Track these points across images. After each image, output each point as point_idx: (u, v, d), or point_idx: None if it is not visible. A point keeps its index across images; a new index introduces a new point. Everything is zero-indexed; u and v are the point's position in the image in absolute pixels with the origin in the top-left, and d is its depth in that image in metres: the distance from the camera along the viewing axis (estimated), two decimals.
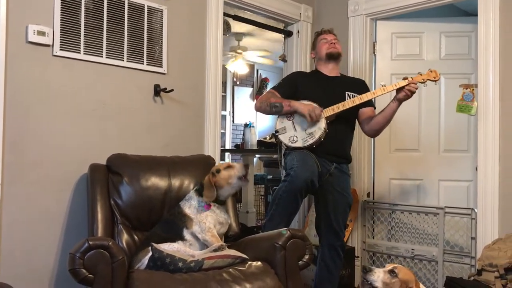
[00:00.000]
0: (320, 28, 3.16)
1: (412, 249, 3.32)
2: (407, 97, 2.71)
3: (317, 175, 2.64)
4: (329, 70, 2.98)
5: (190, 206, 2.36)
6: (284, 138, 2.81)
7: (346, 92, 2.90)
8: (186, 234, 2.28)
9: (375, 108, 2.98)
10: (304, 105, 2.74)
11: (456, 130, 3.53)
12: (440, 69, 3.53)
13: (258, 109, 2.93)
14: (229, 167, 2.40)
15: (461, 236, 3.17)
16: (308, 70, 3.80)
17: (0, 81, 2.27)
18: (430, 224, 3.30)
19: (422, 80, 2.77)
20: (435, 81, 2.80)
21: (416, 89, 2.71)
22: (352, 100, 2.80)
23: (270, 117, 7.65)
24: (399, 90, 2.73)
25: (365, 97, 2.80)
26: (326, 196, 2.81)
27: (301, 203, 2.65)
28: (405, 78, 2.73)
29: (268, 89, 5.46)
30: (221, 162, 2.44)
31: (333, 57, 2.96)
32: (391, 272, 1.85)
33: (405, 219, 3.43)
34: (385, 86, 2.79)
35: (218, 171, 2.39)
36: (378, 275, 1.85)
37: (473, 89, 3.17)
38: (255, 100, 7.85)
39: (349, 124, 2.95)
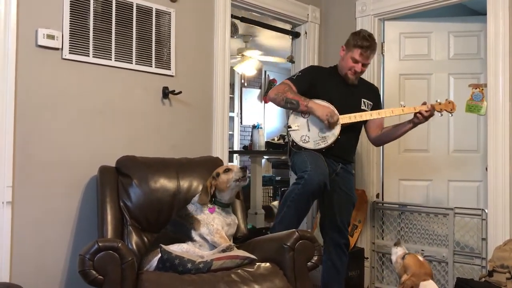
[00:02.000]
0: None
1: (422, 250, 3.29)
2: (420, 121, 2.74)
3: (328, 177, 2.63)
4: None
5: (196, 209, 2.38)
6: (295, 135, 2.78)
7: (362, 99, 2.91)
8: (195, 235, 2.29)
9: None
10: (322, 109, 2.70)
11: (465, 130, 3.50)
12: (448, 69, 3.56)
13: (273, 100, 2.82)
14: (227, 170, 2.41)
15: (472, 237, 3.15)
16: None
17: (10, 84, 2.30)
18: (439, 225, 3.27)
19: (439, 110, 2.80)
20: (451, 113, 2.84)
21: (429, 114, 2.72)
22: (370, 113, 2.82)
23: (279, 118, 7.69)
24: (416, 113, 2.75)
25: (383, 113, 2.83)
26: (331, 195, 2.81)
27: (312, 205, 2.66)
28: (424, 104, 2.76)
29: None
30: (224, 165, 2.47)
31: (347, 81, 2.88)
32: (404, 256, 2.00)
33: (414, 220, 3.41)
34: (404, 106, 2.81)
35: (218, 174, 2.41)
36: (397, 252, 2.05)
37: (482, 89, 3.15)
38: (263, 102, 7.87)
39: (357, 130, 2.97)
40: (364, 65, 2.84)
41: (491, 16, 3.03)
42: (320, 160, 2.65)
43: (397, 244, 2.09)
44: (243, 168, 2.39)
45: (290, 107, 2.79)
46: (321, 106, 2.72)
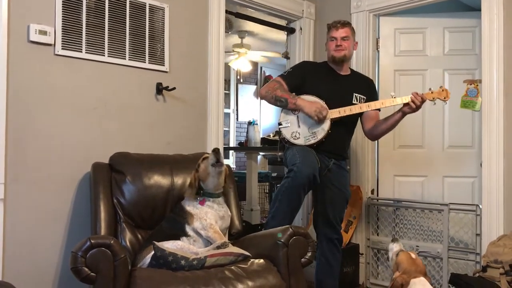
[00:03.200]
0: (330, 21, 2.95)
1: (417, 246, 3.30)
2: (412, 110, 2.69)
3: (318, 171, 2.63)
4: (338, 68, 2.94)
5: (189, 204, 2.37)
6: (286, 131, 2.80)
7: (354, 93, 2.88)
8: (189, 230, 2.29)
9: (379, 110, 2.95)
10: (310, 105, 2.71)
11: (460, 126, 3.51)
12: (443, 65, 3.56)
13: (263, 97, 2.88)
14: (205, 158, 2.41)
15: (466, 233, 3.16)
16: None
17: (2, 81, 2.28)
18: (434, 220, 3.28)
19: (432, 98, 2.74)
20: (445, 101, 2.77)
21: (420, 103, 2.66)
22: (359, 106, 2.79)
23: (274, 114, 7.67)
24: (406, 102, 2.71)
25: (373, 105, 2.80)
26: (324, 191, 2.82)
27: (304, 199, 2.65)
28: (415, 93, 2.69)
29: None
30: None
31: (337, 61, 2.89)
32: (398, 253, 2.04)
33: (409, 216, 3.41)
34: (395, 97, 2.76)
35: (198, 165, 2.41)
36: (393, 248, 2.08)
37: (477, 85, 3.14)
38: (259, 98, 7.86)
39: (350, 125, 2.95)
40: (344, 39, 2.84)
41: (485, 11, 3.02)
42: (310, 154, 2.65)
43: (394, 240, 2.12)
44: (216, 150, 2.36)
45: (279, 105, 2.82)
46: (309, 103, 2.73)
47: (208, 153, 2.46)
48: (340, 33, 2.85)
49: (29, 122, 2.40)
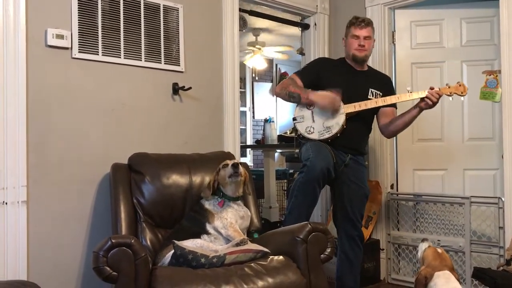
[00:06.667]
0: (345, 16, 2.94)
1: (438, 240, 3.26)
2: (429, 106, 2.67)
3: (333, 165, 2.63)
4: (356, 65, 2.92)
5: (210, 203, 2.40)
6: (301, 127, 2.80)
7: (370, 89, 2.87)
8: (209, 228, 2.31)
9: (396, 108, 2.93)
10: (323, 97, 2.71)
11: (480, 117, 3.44)
12: (461, 56, 3.51)
13: (278, 95, 2.92)
14: (225, 166, 2.43)
15: (489, 226, 3.11)
16: None
17: (21, 85, 2.33)
18: (455, 214, 3.24)
19: (449, 93, 2.71)
20: (462, 96, 2.73)
21: (437, 99, 2.65)
22: (375, 101, 2.78)
23: (290, 111, 7.67)
24: (423, 98, 2.69)
25: (388, 100, 2.78)
26: (341, 187, 2.81)
27: (319, 194, 2.64)
28: (432, 88, 2.67)
29: None
30: (227, 160, 2.48)
31: (358, 61, 2.88)
32: (425, 249, 2.10)
33: (430, 210, 3.38)
34: (411, 92, 2.74)
35: (219, 170, 2.44)
36: (422, 247, 2.13)
37: (496, 75, 3.10)
38: (275, 95, 7.85)
39: (367, 121, 2.92)
40: (367, 38, 2.83)
41: (503, 0, 2.96)
42: (323, 148, 2.65)
43: (423, 240, 2.16)
44: (234, 165, 2.40)
45: (292, 101, 2.84)
46: (321, 96, 2.72)
47: (229, 161, 2.46)
48: (363, 32, 2.83)
49: (49, 125, 2.44)
